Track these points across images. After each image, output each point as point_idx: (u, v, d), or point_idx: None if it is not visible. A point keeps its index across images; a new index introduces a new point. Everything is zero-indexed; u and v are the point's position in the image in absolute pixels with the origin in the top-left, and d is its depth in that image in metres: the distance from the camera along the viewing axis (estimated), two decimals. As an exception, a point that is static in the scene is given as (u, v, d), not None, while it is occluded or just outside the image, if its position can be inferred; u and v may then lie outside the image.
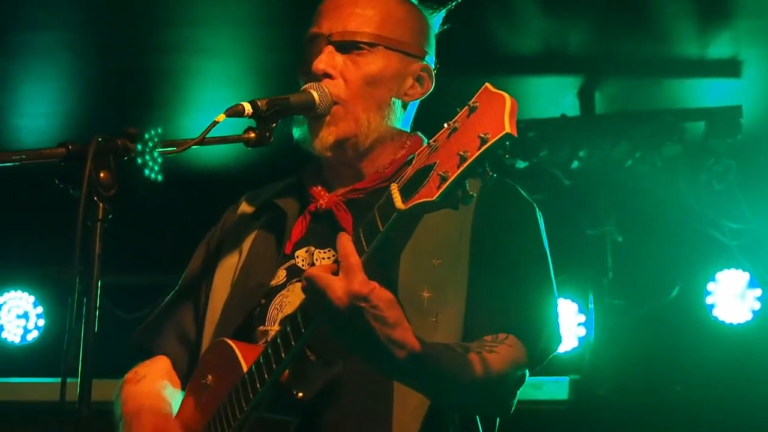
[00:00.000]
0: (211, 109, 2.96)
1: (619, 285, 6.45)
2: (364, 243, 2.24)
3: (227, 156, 6.36)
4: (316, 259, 2.67)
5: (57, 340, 6.82)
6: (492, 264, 2.57)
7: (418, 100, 2.79)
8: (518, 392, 2.58)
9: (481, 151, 2.02)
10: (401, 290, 2.46)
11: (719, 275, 6.46)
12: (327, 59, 2.67)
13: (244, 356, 2.54)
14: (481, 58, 5.72)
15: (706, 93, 6.13)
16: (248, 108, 2.53)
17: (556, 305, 2.62)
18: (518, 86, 5.97)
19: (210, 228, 2.96)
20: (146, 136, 2.31)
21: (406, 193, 2.15)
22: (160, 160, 2.32)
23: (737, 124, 6.00)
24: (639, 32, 5.60)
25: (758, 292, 6.46)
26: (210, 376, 2.65)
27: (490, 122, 2.02)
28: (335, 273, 2.23)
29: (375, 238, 2.22)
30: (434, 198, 2.09)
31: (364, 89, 2.66)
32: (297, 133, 2.72)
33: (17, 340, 6.97)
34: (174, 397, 2.74)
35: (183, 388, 2.78)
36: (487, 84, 2.08)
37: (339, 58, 2.68)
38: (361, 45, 2.68)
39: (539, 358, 2.56)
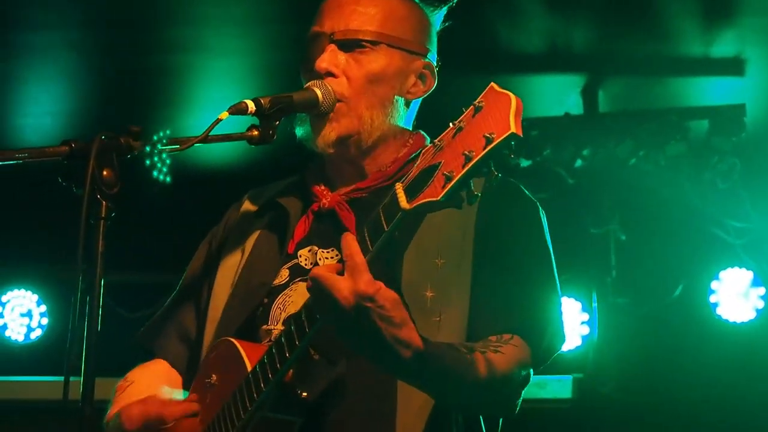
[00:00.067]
0: (214, 107, 2.95)
1: (623, 284, 6.46)
2: (368, 242, 2.24)
3: (231, 154, 6.37)
4: (320, 259, 2.67)
5: (60, 338, 6.82)
6: (495, 263, 2.56)
7: (421, 98, 2.78)
8: (522, 391, 2.58)
9: (486, 150, 2.01)
10: (404, 290, 2.46)
11: (723, 274, 6.46)
12: (329, 58, 2.67)
13: (248, 355, 2.54)
14: (484, 57, 5.72)
15: (710, 91, 6.12)
16: (251, 106, 2.53)
17: (560, 304, 2.62)
18: (522, 85, 5.97)
19: (213, 227, 2.96)
20: (155, 137, 2.31)
21: (411, 192, 2.15)
22: (168, 161, 2.32)
23: (741, 123, 6.00)
24: (643, 31, 5.60)
25: (762, 290, 6.46)
26: (214, 376, 2.64)
27: (496, 122, 2.01)
28: (340, 273, 2.23)
29: (380, 237, 2.22)
30: (439, 198, 2.08)
31: (367, 87, 2.66)
32: (300, 131, 2.72)
33: (21, 338, 6.97)
34: (172, 396, 2.73)
35: (186, 388, 2.78)
36: (492, 84, 2.08)
37: (341, 56, 2.68)
38: (364, 43, 2.68)
39: (543, 357, 2.56)
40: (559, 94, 6.16)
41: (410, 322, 2.25)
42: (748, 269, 6.44)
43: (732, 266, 6.45)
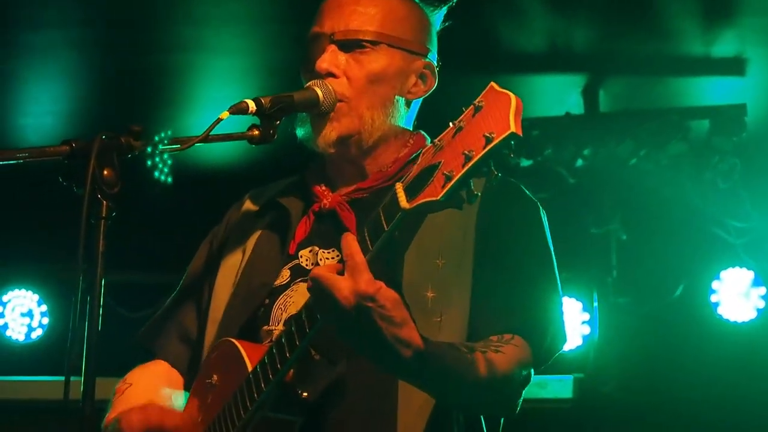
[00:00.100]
0: (215, 106, 2.96)
1: (624, 283, 6.46)
2: (368, 242, 2.24)
3: (232, 154, 6.37)
4: (320, 260, 2.67)
5: (61, 338, 6.82)
6: (496, 263, 2.56)
7: (421, 98, 2.78)
8: (523, 391, 2.57)
9: (486, 150, 2.01)
10: (405, 290, 2.45)
11: (724, 273, 6.46)
12: (330, 58, 2.67)
13: (249, 356, 2.54)
14: (485, 57, 5.72)
15: (711, 91, 6.12)
16: (252, 105, 2.53)
17: (561, 304, 2.61)
18: (522, 84, 5.97)
19: (213, 226, 2.95)
20: (156, 138, 2.31)
21: (411, 192, 2.15)
22: (170, 162, 2.32)
23: (742, 123, 5.99)
24: (643, 30, 5.60)
25: (763, 290, 6.45)
26: (215, 376, 2.64)
27: (496, 122, 2.01)
28: (341, 273, 2.22)
29: (380, 237, 2.22)
30: (439, 197, 2.08)
31: (368, 87, 2.66)
32: (300, 130, 2.72)
33: (21, 338, 6.97)
34: (171, 397, 2.73)
35: (187, 388, 2.78)
36: (492, 83, 2.08)
37: (342, 57, 2.68)
38: (364, 43, 2.68)
39: (544, 357, 2.56)
40: (560, 94, 6.16)
41: (411, 321, 2.25)
42: (748, 269, 6.44)
43: (733, 266, 6.44)
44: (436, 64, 2.78)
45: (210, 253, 2.89)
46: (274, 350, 2.41)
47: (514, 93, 2.02)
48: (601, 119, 6.13)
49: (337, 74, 2.66)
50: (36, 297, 6.99)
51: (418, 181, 2.14)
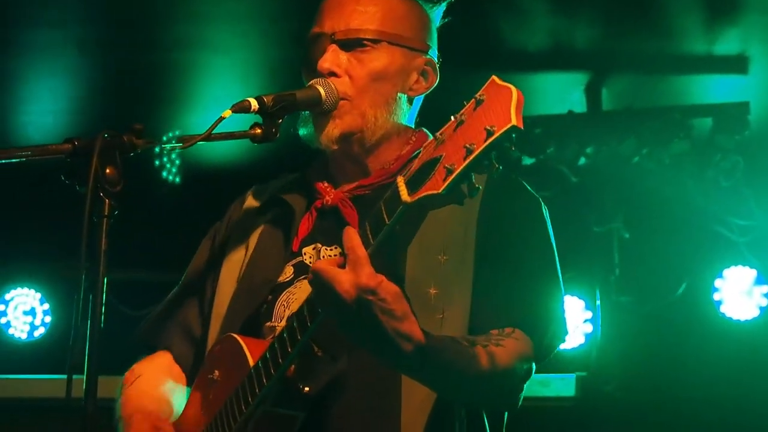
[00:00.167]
0: (217, 105, 2.96)
1: (626, 282, 6.45)
2: (370, 236, 2.24)
3: (234, 152, 6.36)
4: (323, 256, 2.67)
5: (63, 336, 6.82)
6: (498, 258, 2.57)
7: (423, 95, 2.78)
8: (525, 388, 2.57)
9: (487, 143, 2.01)
10: (408, 286, 2.46)
11: (726, 272, 6.45)
12: (331, 58, 2.67)
13: (251, 351, 2.54)
14: (488, 55, 5.71)
15: (714, 89, 6.12)
16: (254, 104, 2.53)
17: (562, 299, 2.62)
18: (525, 82, 5.96)
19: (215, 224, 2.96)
20: (164, 138, 2.32)
21: (413, 185, 2.15)
22: (178, 162, 2.32)
23: (744, 121, 5.99)
24: (646, 28, 5.59)
25: (765, 288, 6.45)
26: (217, 371, 2.65)
27: (497, 115, 2.02)
28: (342, 266, 2.22)
29: (381, 231, 2.23)
30: (440, 190, 2.08)
31: (370, 85, 2.67)
32: (303, 129, 2.72)
33: (24, 336, 6.97)
34: (175, 392, 2.74)
35: (189, 383, 2.78)
36: (493, 77, 2.08)
37: (343, 56, 2.68)
38: (365, 42, 2.68)
39: (546, 351, 2.56)
40: (563, 92, 6.15)
41: (412, 315, 2.25)
42: (751, 267, 6.43)
43: (736, 264, 6.44)
44: (437, 61, 2.78)
45: (212, 250, 2.90)
46: (276, 345, 2.42)
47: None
48: (603, 117, 6.13)
49: (339, 73, 2.67)
50: (38, 295, 6.99)
51: (420, 174, 2.14)
